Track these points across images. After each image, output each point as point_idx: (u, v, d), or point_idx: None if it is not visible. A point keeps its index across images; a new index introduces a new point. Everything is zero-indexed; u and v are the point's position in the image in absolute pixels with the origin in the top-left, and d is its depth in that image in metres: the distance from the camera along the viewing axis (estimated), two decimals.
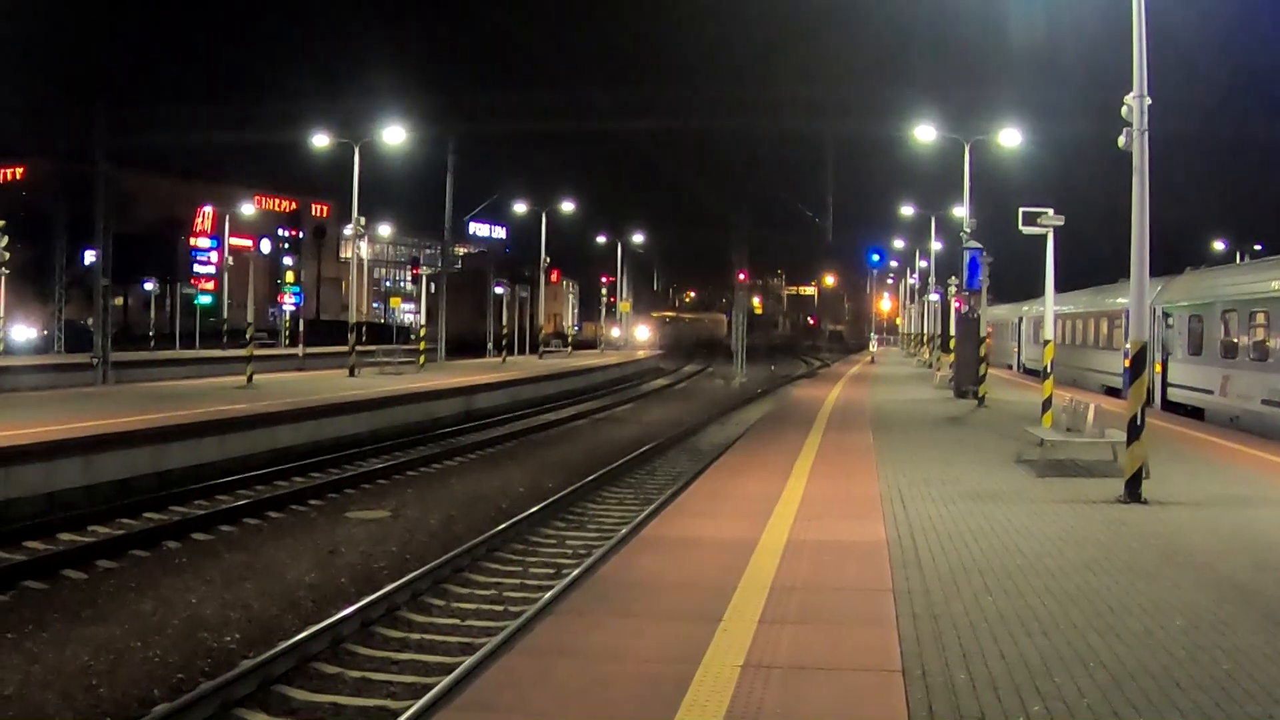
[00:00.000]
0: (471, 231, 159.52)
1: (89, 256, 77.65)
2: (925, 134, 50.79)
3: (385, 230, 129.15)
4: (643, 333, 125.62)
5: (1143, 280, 19.79)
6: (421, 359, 62.74)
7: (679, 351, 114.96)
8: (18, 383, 47.32)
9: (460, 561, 19.89)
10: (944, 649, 10.65)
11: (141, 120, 67.52)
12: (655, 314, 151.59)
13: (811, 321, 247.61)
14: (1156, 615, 11.88)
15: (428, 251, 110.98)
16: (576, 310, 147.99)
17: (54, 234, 75.98)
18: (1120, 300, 45.56)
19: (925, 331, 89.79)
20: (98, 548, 20.47)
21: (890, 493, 20.29)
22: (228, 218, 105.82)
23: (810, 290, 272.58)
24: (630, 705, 9.29)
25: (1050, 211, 29.48)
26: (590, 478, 29.19)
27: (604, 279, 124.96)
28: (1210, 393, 36.40)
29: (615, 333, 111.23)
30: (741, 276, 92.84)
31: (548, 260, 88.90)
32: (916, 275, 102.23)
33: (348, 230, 60.99)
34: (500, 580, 19.33)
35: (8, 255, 34.51)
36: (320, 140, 58.30)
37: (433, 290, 77.04)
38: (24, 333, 79.27)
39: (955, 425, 34.70)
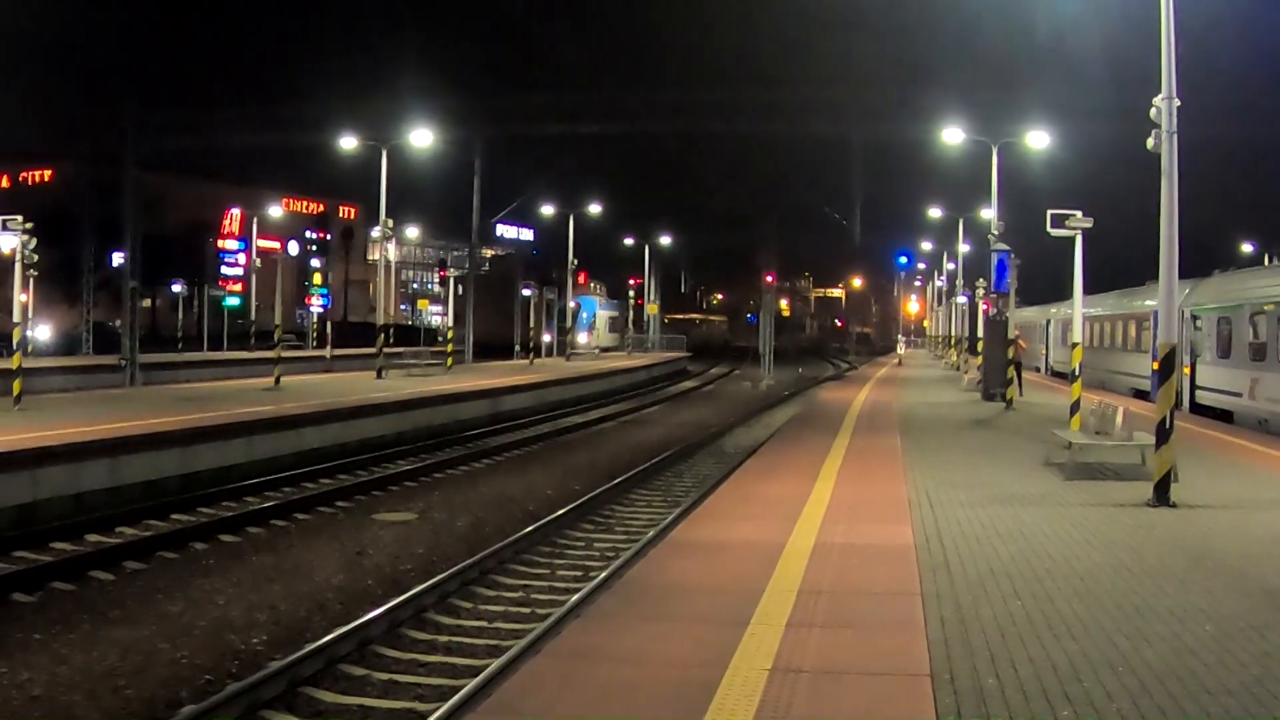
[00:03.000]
0: (499, 234, 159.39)
1: (117, 258, 77.89)
2: (953, 136, 50.66)
3: (413, 232, 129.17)
4: (582, 339, 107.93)
5: (1172, 283, 19.71)
6: (449, 361, 62.70)
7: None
8: (47, 384, 47.39)
9: (487, 564, 19.91)
10: (972, 653, 10.63)
11: (169, 123, 67.59)
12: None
13: (839, 324, 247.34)
14: (1185, 619, 11.84)
15: (455, 253, 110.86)
16: None
17: (82, 236, 76.26)
18: (1148, 302, 45.46)
19: (953, 334, 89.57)
20: (125, 549, 20.54)
21: (918, 496, 20.25)
22: (255, 220, 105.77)
23: (838, 292, 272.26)
24: (658, 709, 9.29)
25: (1079, 214, 29.35)
26: (617, 480, 29.21)
27: (632, 281, 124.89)
28: (1239, 395, 36.28)
29: (546, 338, 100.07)
30: (769, 279, 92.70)
31: (575, 262, 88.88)
32: (944, 277, 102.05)
33: (375, 232, 61.28)
34: (528, 583, 19.34)
35: (36, 257, 34.50)
36: (348, 142, 58.33)
37: (460, 292, 77.04)
38: (42, 333, 79.36)
39: (983, 428, 34.63)
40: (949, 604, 12.44)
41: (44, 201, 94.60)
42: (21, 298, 36.18)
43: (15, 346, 35.37)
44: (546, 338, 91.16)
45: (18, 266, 34.44)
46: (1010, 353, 42.77)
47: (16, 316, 35.87)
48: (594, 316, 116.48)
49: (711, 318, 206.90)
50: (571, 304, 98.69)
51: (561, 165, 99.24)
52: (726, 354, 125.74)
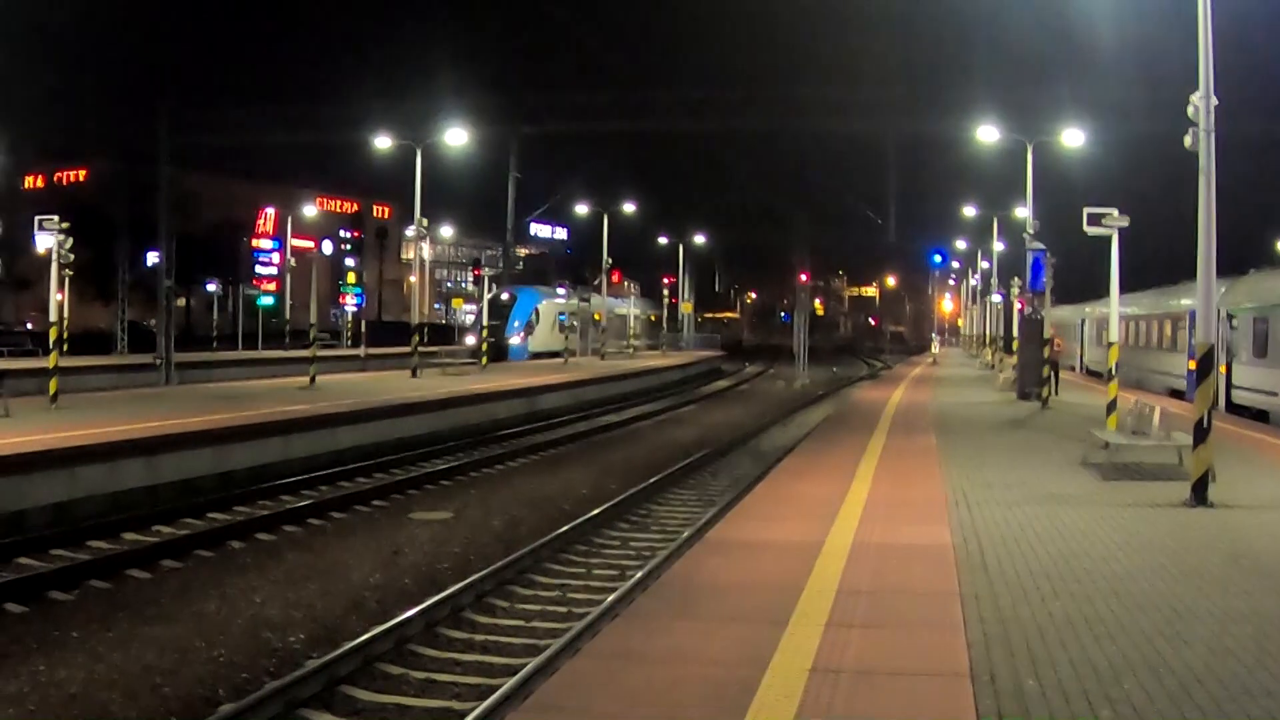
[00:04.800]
0: (533, 233, 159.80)
1: (151, 258, 78.18)
2: (988, 134, 50.57)
3: (447, 231, 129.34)
4: (514, 342, 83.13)
5: (1210, 282, 19.61)
6: (484, 360, 62.80)
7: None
8: (83, 383, 47.60)
9: (524, 563, 19.93)
10: (1012, 654, 10.60)
11: (203, 121, 67.95)
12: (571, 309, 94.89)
13: (873, 322, 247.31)
14: (1225, 621, 11.78)
15: (489, 252, 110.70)
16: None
17: (117, 235, 76.45)
18: (1184, 301, 45.29)
19: (988, 333, 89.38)
20: (162, 547, 20.62)
21: (955, 496, 20.19)
22: (290, 219, 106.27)
23: (872, 291, 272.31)
24: (698, 709, 9.28)
25: (1115, 212, 29.22)
26: (653, 479, 29.17)
27: (666, 279, 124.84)
28: (1275, 395, 36.09)
29: (470, 340, 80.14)
30: (803, 277, 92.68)
31: (609, 261, 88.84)
32: (979, 276, 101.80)
33: (410, 231, 61.30)
34: (564, 582, 19.35)
35: (72, 257, 34.79)
36: (382, 142, 58.57)
37: (494, 291, 76.92)
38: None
39: (1019, 428, 34.52)
40: (988, 604, 12.41)
41: (79, 201, 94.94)
42: (57, 296, 36.38)
43: (52, 345, 35.56)
44: (471, 340, 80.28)
45: (54, 266, 34.65)
46: (1046, 352, 42.67)
47: (53, 315, 36.07)
48: (532, 313, 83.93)
49: (722, 316, 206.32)
50: (505, 296, 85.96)
51: (596, 164, 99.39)
52: (761, 353, 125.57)
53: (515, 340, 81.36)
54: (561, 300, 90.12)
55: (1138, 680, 9.84)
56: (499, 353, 74.81)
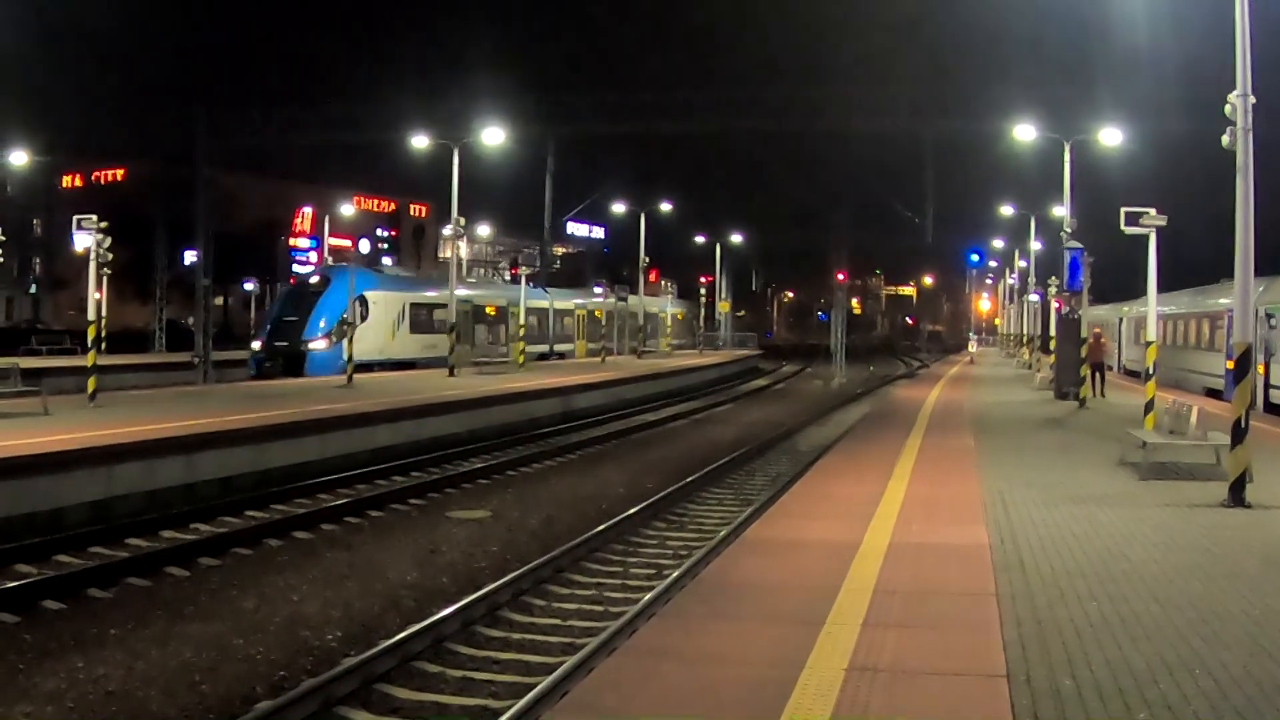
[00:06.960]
0: (570, 231, 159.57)
1: (189, 257, 78.52)
2: (1025, 133, 50.57)
3: (484, 230, 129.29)
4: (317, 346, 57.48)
5: (1247, 281, 19.52)
6: (520, 359, 62.81)
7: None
8: (121, 381, 47.83)
9: (561, 562, 19.93)
10: (1048, 654, 10.58)
11: (240, 122, 68.20)
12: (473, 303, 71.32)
13: (910, 322, 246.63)
14: (1262, 622, 11.75)
15: (526, 251, 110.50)
16: None
17: (155, 235, 76.78)
18: (1222, 301, 45.05)
19: (1025, 332, 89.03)
20: (200, 545, 20.68)
21: (992, 496, 20.13)
22: (327, 218, 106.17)
23: (909, 290, 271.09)
24: (735, 708, 9.30)
25: (1153, 211, 29.07)
26: (690, 478, 29.15)
27: (703, 279, 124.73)
28: None
29: (256, 345, 59.99)
30: (840, 277, 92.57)
31: (646, 260, 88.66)
32: (1016, 275, 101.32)
33: (447, 230, 60.84)
34: (601, 581, 19.37)
35: (110, 256, 35.08)
36: (420, 141, 58.74)
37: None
38: None
39: (1056, 427, 34.38)
40: (1024, 605, 12.39)
41: (117, 200, 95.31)
42: (95, 295, 36.56)
43: (90, 344, 35.74)
44: (256, 344, 58.73)
45: (92, 265, 34.79)
46: (1084, 351, 42.50)
47: (91, 314, 36.23)
48: (352, 306, 52.08)
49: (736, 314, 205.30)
50: (314, 279, 63.59)
51: (633, 164, 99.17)
52: (798, 353, 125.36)
53: (318, 345, 56.50)
54: (421, 288, 67.68)
55: (1174, 681, 9.83)
56: (291, 363, 55.42)
